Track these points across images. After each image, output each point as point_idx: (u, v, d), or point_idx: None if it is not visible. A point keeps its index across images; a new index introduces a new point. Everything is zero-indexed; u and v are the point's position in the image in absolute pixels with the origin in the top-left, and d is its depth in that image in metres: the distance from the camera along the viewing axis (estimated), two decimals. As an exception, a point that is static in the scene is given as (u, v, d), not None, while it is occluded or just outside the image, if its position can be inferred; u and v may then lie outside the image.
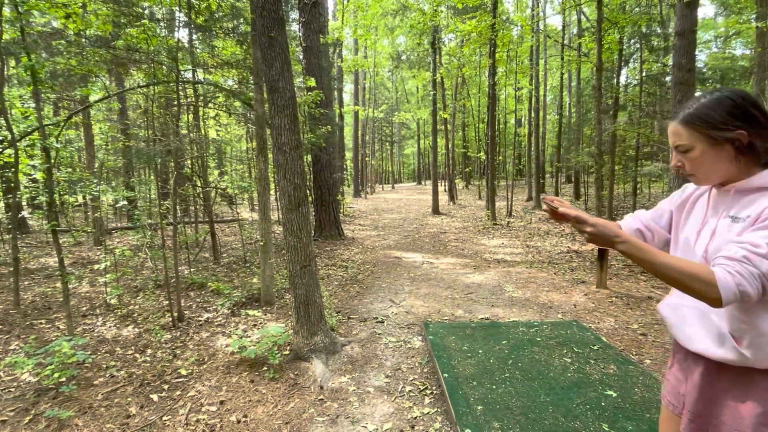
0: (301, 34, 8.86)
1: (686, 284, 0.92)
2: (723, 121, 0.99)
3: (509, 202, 13.07)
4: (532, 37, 15.18)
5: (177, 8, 6.07)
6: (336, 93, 17.19)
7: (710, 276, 0.90)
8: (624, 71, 15.29)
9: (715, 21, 22.75)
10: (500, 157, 23.53)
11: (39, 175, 5.54)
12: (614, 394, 2.54)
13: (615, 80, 11.98)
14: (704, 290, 0.90)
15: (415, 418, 2.50)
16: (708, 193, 1.14)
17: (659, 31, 12.80)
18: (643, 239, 1.27)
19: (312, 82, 8.08)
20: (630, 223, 1.31)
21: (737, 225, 0.99)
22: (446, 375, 2.82)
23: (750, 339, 0.99)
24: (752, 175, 1.01)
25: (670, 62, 6.96)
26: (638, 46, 12.44)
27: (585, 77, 18.54)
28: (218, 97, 7.53)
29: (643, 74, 11.95)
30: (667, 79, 11.64)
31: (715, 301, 0.90)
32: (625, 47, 12.17)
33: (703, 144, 1.02)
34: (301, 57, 8.88)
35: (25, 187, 6.31)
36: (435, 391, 2.78)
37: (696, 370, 1.13)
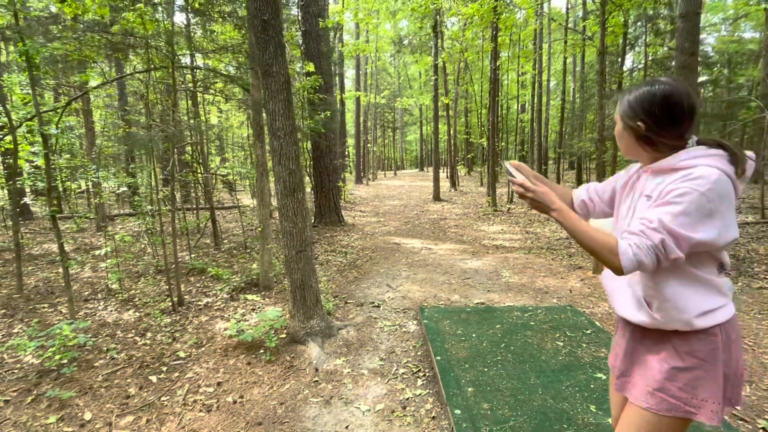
0: (300, 17, 8.74)
1: (598, 252, 1.06)
2: (632, 110, 1.13)
3: (510, 189, 13.03)
4: (536, 20, 14.91)
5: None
6: (337, 78, 17.03)
7: (616, 247, 1.02)
8: (630, 55, 15.04)
9: (724, 2, 22.23)
10: (502, 143, 23.37)
11: (40, 162, 5.57)
12: (604, 377, 2.58)
13: (619, 65, 11.79)
14: (611, 259, 1.03)
15: (407, 399, 2.55)
16: (636, 176, 1.25)
17: (666, 13, 12.54)
18: (586, 210, 1.42)
19: (311, 67, 8.00)
20: (580, 194, 1.44)
21: (649, 202, 1.10)
22: (439, 358, 2.87)
23: (658, 304, 1.12)
24: (662, 159, 1.12)
25: (675, 46, 6.83)
26: (644, 29, 12.20)
27: (589, 61, 18.25)
28: (216, 82, 7.49)
29: (649, 58, 11.76)
30: (673, 63, 11.46)
31: (618, 269, 1.03)
32: (630, 30, 11.94)
33: (620, 123, 1.18)
34: (300, 41, 8.78)
35: (28, 173, 6.34)
36: (427, 374, 2.83)
37: (625, 335, 1.27)
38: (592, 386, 2.48)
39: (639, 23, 12.59)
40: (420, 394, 2.59)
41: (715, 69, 15.54)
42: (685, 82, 5.69)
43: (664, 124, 1.09)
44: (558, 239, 7.28)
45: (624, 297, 1.22)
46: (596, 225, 1.20)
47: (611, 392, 1.42)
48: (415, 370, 2.89)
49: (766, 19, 12.67)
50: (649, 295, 1.14)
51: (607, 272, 1.30)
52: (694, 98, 1.09)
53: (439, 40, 15.37)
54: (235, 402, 2.58)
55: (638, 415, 1.15)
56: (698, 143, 1.12)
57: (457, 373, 2.66)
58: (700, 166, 1.03)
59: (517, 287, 4.67)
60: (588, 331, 3.28)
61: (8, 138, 4.68)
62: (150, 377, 2.88)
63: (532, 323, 3.46)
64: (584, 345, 3.04)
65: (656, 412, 1.11)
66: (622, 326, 1.29)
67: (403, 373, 2.86)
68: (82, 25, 5.90)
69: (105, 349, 3.28)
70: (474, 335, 3.24)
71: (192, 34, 7.28)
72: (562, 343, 3.07)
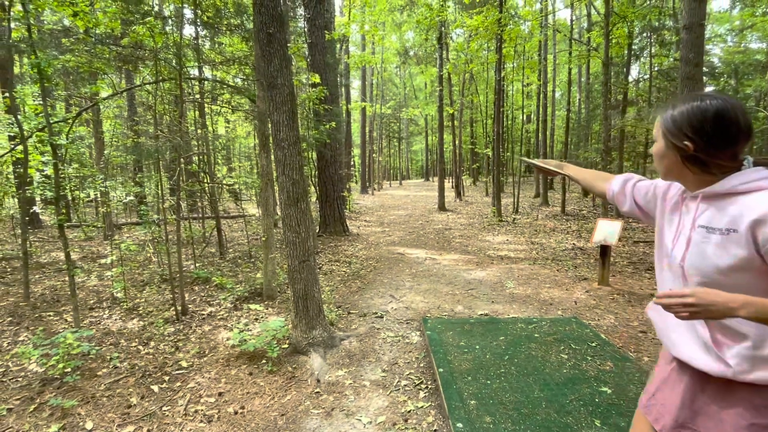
0: (306, 30, 8.87)
1: None
2: (679, 128, 1.01)
3: (516, 199, 12.99)
4: (541, 31, 15.01)
5: (184, 5, 6.14)
6: (343, 89, 17.19)
7: None
8: (635, 66, 15.06)
9: (730, 13, 22.24)
10: (508, 154, 23.36)
11: (49, 171, 5.65)
12: (609, 391, 2.54)
13: (624, 75, 11.80)
14: None
15: (409, 411, 2.53)
16: (680, 199, 1.13)
17: (671, 24, 12.57)
18: (612, 198, 1.32)
19: (316, 79, 8.10)
20: (615, 187, 1.33)
21: (714, 235, 0.98)
22: (442, 370, 2.84)
23: (734, 350, 0.97)
24: (713, 183, 1.01)
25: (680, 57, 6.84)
26: (649, 40, 12.23)
27: (594, 72, 18.29)
28: (224, 93, 7.59)
29: (654, 69, 11.77)
30: (678, 74, 11.45)
31: None
32: (635, 41, 11.98)
33: (662, 141, 1.07)
34: (306, 53, 8.90)
35: (38, 182, 6.45)
36: (430, 386, 2.81)
37: (682, 378, 1.11)
38: (596, 400, 2.44)
39: (644, 34, 12.62)
40: (422, 407, 2.56)
41: (722, 80, 15.51)
42: (690, 92, 5.71)
43: (718, 144, 0.97)
44: (563, 250, 7.23)
45: (682, 335, 1.08)
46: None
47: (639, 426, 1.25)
48: (417, 382, 2.87)
49: (772, 29, 12.66)
50: (720, 336, 0.99)
51: (655, 306, 1.16)
52: (748, 115, 0.98)
53: (444, 52, 15.51)
54: (236, 413, 2.57)
55: None
56: (755, 164, 1.00)
57: (459, 386, 2.63)
58: (763, 192, 0.93)
59: (522, 298, 4.63)
60: (593, 344, 3.23)
61: (19, 148, 4.77)
62: (152, 387, 2.88)
63: (536, 335, 3.42)
64: (589, 358, 3.00)
65: None
66: (678, 370, 1.13)
67: (405, 385, 2.83)
68: (93, 38, 6.03)
69: (108, 357, 3.29)
70: (477, 347, 3.22)
71: (200, 47, 7.42)
72: (566, 356, 3.03)
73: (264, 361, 3.17)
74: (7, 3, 4.99)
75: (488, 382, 2.69)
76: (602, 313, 4.12)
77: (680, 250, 1.05)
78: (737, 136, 0.96)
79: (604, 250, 4.90)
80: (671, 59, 12.10)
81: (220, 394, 2.78)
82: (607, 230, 4.87)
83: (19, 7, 4.39)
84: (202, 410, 2.60)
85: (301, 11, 9.79)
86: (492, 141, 16.04)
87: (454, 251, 7.43)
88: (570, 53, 14.42)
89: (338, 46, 14.50)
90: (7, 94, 6.01)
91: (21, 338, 3.70)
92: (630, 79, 12.40)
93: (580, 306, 4.33)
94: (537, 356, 3.04)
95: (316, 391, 2.79)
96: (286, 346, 3.40)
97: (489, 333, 3.50)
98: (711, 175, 1.01)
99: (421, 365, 3.11)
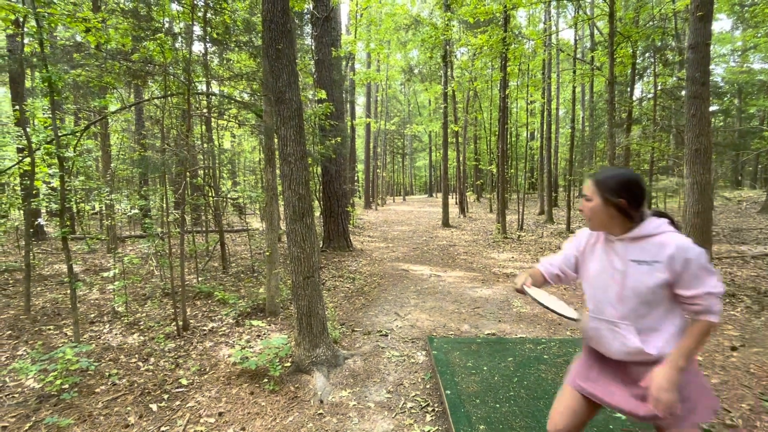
0: (313, 47, 9.00)
1: (705, 341, 1.42)
2: (617, 190, 1.42)
3: (520, 216, 12.92)
4: (545, 50, 15.18)
5: (194, 22, 6.24)
6: (348, 105, 17.37)
7: (708, 325, 1.35)
8: (638, 85, 15.15)
9: (732, 34, 22.47)
10: (512, 170, 23.39)
11: (56, 183, 5.67)
12: (623, 417, 2.44)
13: (628, 94, 11.85)
14: (713, 331, 1.39)
15: (415, 436, 2.43)
16: (599, 243, 1.54)
17: (674, 44, 12.68)
18: (559, 280, 1.70)
19: (323, 95, 8.17)
20: (550, 269, 1.69)
21: (644, 266, 1.39)
22: (449, 392, 2.75)
23: (658, 340, 1.41)
24: (632, 230, 1.43)
25: (685, 76, 6.86)
26: (652, 59, 12.32)
27: (598, 90, 18.41)
28: (231, 108, 7.66)
29: (658, 88, 11.82)
30: (683, 93, 11.48)
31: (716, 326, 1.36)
32: (638, 61, 12.07)
33: (599, 199, 1.45)
34: (312, 70, 9.00)
35: (44, 194, 6.47)
36: (437, 409, 2.71)
37: (608, 365, 1.54)
38: (611, 427, 2.35)
39: (647, 54, 12.73)
40: (429, 431, 2.47)
41: (726, 99, 15.56)
42: (697, 111, 5.68)
43: (639, 201, 1.42)
44: (570, 268, 7.13)
45: (611, 342, 1.47)
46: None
47: (565, 398, 1.60)
48: (423, 404, 2.78)
49: (775, 50, 12.74)
50: (646, 334, 1.42)
51: (589, 323, 1.55)
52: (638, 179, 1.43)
53: (449, 69, 15.68)
54: (236, 434, 2.48)
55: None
56: (653, 214, 1.45)
57: (467, 409, 2.54)
58: (668, 233, 1.38)
59: (529, 318, 4.54)
60: (605, 367, 3.13)
61: (27, 160, 4.79)
62: (150, 405, 2.80)
63: (545, 356, 3.33)
64: (601, 381, 2.90)
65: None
66: (604, 360, 1.56)
67: (411, 408, 2.74)
68: (104, 54, 6.13)
69: (107, 374, 3.22)
70: (485, 368, 3.12)
71: (209, 62, 7.52)
72: (577, 379, 2.93)
73: (266, 380, 3.09)
74: (21, 19, 5.09)
75: (497, 405, 2.60)
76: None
77: (617, 283, 1.45)
78: (644, 195, 1.43)
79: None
80: (675, 78, 12.16)
81: (220, 414, 2.70)
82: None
83: (33, 22, 4.46)
84: (201, 431, 2.51)
85: (308, 29, 9.96)
86: (496, 158, 16.07)
87: (459, 268, 7.35)
88: (574, 72, 14.54)
89: (344, 63, 14.70)
90: (17, 107, 6.08)
91: (20, 352, 3.64)
92: (634, 97, 12.46)
93: (589, 326, 4.23)
94: (547, 378, 2.95)
95: (319, 412, 2.70)
96: (288, 364, 3.32)
97: (497, 353, 3.41)
98: (631, 224, 1.44)
99: (428, 386, 3.02)
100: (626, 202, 1.41)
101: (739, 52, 21.90)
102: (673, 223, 1.44)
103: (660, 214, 1.46)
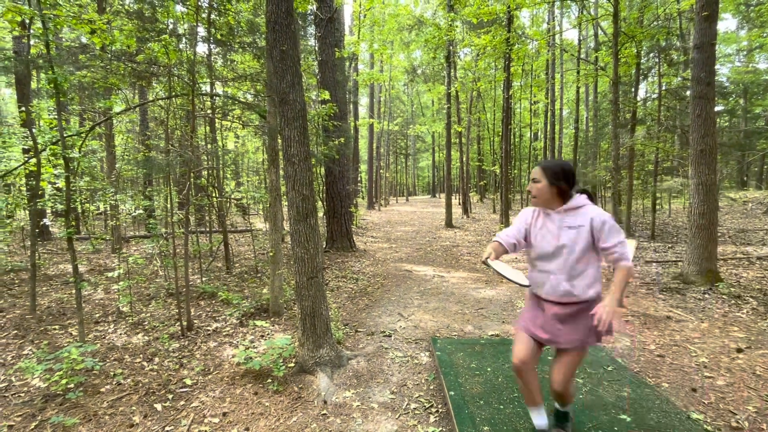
0: (316, 48, 9.01)
1: (628, 283, 1.90)
2: (559, 176, 1.93)
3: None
4: (548, 51, 15.14)
5: (198, 24, 6.27)
6: (351, 106, 17.38)
7: (626, 268, 1.85)
8: (643, 85, 15.07)
9: (737, 34, 22.33)
10: (515, 171, 23.34)
11: (61, 184, 5.70)
12: (628, 419, 2.43)
13: (633, 94, 11.80)
14: (631, 275, 1.88)
15: (419, 437, 2.43)
16: (540, 216, 2.05)
17: (678, 44, 12.61)
18: (515, 247, 2.04)
19: (326, 95, 8.18)
20: (508, 240, 2.03)
21: (574, 229, 1.92)
22: (453, 393, 2.75)
23: (575, 284, 1.94)
24: (567, 203, 1.96)
25: (690, 76, 6.82)
26: (657, 60, 12.26)
27: (602, 91, 18.34)
28: (234, 109, 7.69)
29: (662, 88, 11.76)
30: (687, 93, 11.41)
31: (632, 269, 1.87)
32: (643, 61, 12.01)
33: (546, 182, 1.94)
34: (316, 71, 9.02)
35: (50, 195, 6.51)
36: (441, 410, 2.71)
37: (551, 308, 2.02)
38: (616, 429, 2.34)
39: (652, 54, 12.66)
40: (432, 432, 2.47)
41: (731, 99, 15.46)
42: (702, 112, 5.65)
43: (572, 183, 1.94)
44: (574, 269, 7.10)
45: (550, 285, 1.99)
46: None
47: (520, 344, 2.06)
48: (427, 405, 2.77)
49: (781, 50, 12.65)
50: (573, 280, 1.95)
51: (531, 273, 2.11)
52: (569, 167, 1.95)
53: (452, 70, 15.67)
54: (240, 434, 2.49)
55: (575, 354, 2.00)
56: (579, 192, 2.00)
57: (471, 410, 2.53)
58: (589, 206, 1.94)
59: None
60: (609, 368, 3.12)
61: (33, 161, 4.83)
62: (155, 405, 2.81)
63: (549, 358, 3.32)
64: (606, 383, 2.89)
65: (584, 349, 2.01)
66: (544, 303, 2.05)
67: (414, 409, 2.74)
68: (109, 55, 6.16)
69: (112, 374, 3.23)
70: (489, 369, 3.12)
71: (213, 63, 7.55)
72: (582, 381, 2.92)
73: (269, 380, 3.09)
74: (27, 20, 5.13)
75: (501, 407, 2.59)
76: (617, 335, 3.99)
77: (555, 240, 1.95)
78: (575, 180, 1.95)
79: (617, 270, 4.79)
80: (679, 78, 12.10)
81: (224, 414, 2.71)
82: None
83: (39, 24, 4.49)
84: (205, 431, 2.52)
85: (311, 30, 9.98)
86: (500, 158, 16.03)
87: (463, 269, 7.34)
88: (578, 72, 14.50)
89: (347, 63, 14.72)
90: (23, 109, 6.12)
91: (25, 352, 3.67)
92: (638, 98, 12.39)
93: (593, 327, 4.21)
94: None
95: (322, 413, 2.70)
96: (292, 364, 3.33)
97: (501, 354, 3.40)
98: (565, 199, 1.96)
99: (431, 387, 3.02)
100: (565, 185, 1.93)
101: (745, 52, 21.76)
102: (591, 197, 2.01)
103: (582, 191, 2.02)
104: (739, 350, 3.55)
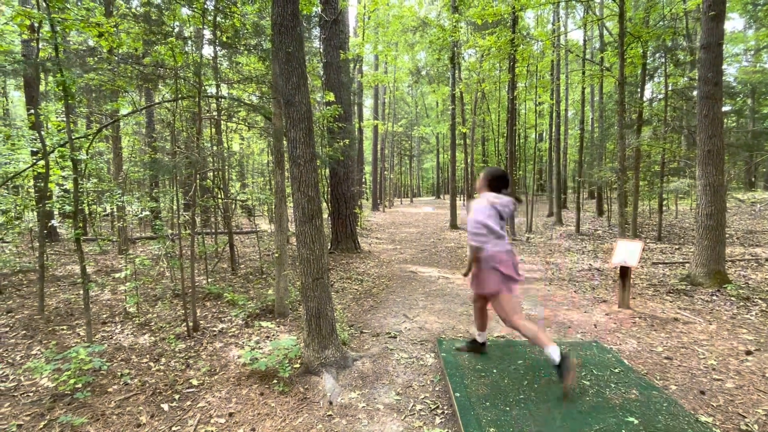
0: (321, 50, 9.05)
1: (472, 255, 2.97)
2: (489, 177, 3.02)
3: (529, 218, 12.85)
4: (553, 52, 15.09)
5: (204, 26, 6.31)
6: (356, 107, 17.41)
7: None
8: (649, 85, 14.98)
9: (745, 34, 22.14)
10: (520, 172, 23.24)
11: (69, 185, 5.76)
12: (636, 421, 2.41)
13: (639, 95, 11.73)
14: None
15: (425, 438, 2.43)
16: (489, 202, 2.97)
17: (685, 44, 12.53)
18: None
19: (331, 97, 8.20)
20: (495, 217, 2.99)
21: (496, 209, 2.92)
22: (458, 394, 2.74)
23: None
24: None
25: (696, 76, 6.77)
26: (663, 60, 12.18)
27: (607, 92, 18.26)
28: (240, 111, 7.73)
29: (669, 88, 11.68)
30: (694, 93, 11.32)
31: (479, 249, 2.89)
32: (649, 61, 11.94)
33: (485, 181, 3.04)
34: (321, 72, 9.05)
35: (58, 197, 6.58)
36: (446, 411, 2.70)
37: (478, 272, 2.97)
38: (623, 431, 2.32)
39: (658, 54, 12.59)
40: (438, 434, 2.46)
41: (739, 99, 15.32)
42: (710, 112, 5.60)
43: (494, 184, 3.00)
44: (580, 270, 7.07)
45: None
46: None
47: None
48: (433, 406, 2.77)
49: (789, 49, 12.52)
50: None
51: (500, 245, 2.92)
52: (499, 173, 3.02)
53: (457, 71, 15.66)
54: (246, 435, 2.50)
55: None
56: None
57: (477, 412, 2.52)
58: (488, 194, 2.97)
59: (539, 321, 4.50)
60: (616, 370, 3.10)
61: (41, 162, 4.88)
62: (162, 405, 2.83)
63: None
64: (613, 385, 2.87)
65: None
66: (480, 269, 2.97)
67: (420, 410, 2.73)
68: (116, 58, 6.22)
69: (119, 374, 3.26)
70: (495, 371, 3.11)
71: (219, 66, 7.59)
72: (588, 383, 2.91)
73: (275, 381, 3.10)
74: (36, 24, 5.19)
75: (507, 408, 2.58)
76: (624, 337, 3.97)
77: (498, 216, 2.91)
78: (502, 180, 3.01)
79: (624, 271, 4.76)
80: (686, 78, 12.01)
81: (230, 414, 2.72)
82: (627, 251, 4.75)
83: (47, 27, 4.55)
84: (212, 431, 2.53)
85: (316, 32, 10.02)
86: (504, 159, 15.99)
87: (468, 270, 7.31)
88: (583, 73, 14.44)
89: (352, 65, 14.74)
90: (32, 111, 6.19)
91: (34, 352, 3.70)
92: (644, 98, 12.32)
93: (599, 329, 4.19)
94: (558, 382, 2.92)
95: (328, 413, 2.70)
96: (297, 365, 3.34)
97: (506, 356, 3.38)
98: (494, 191, 3.00)
99: (437, 389, 3.01)
100: (492, 183, 3.01)
101: (752, 52, 21.57)
102: (511, 195, 3.04)
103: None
104: (749, 352, 3.51)
